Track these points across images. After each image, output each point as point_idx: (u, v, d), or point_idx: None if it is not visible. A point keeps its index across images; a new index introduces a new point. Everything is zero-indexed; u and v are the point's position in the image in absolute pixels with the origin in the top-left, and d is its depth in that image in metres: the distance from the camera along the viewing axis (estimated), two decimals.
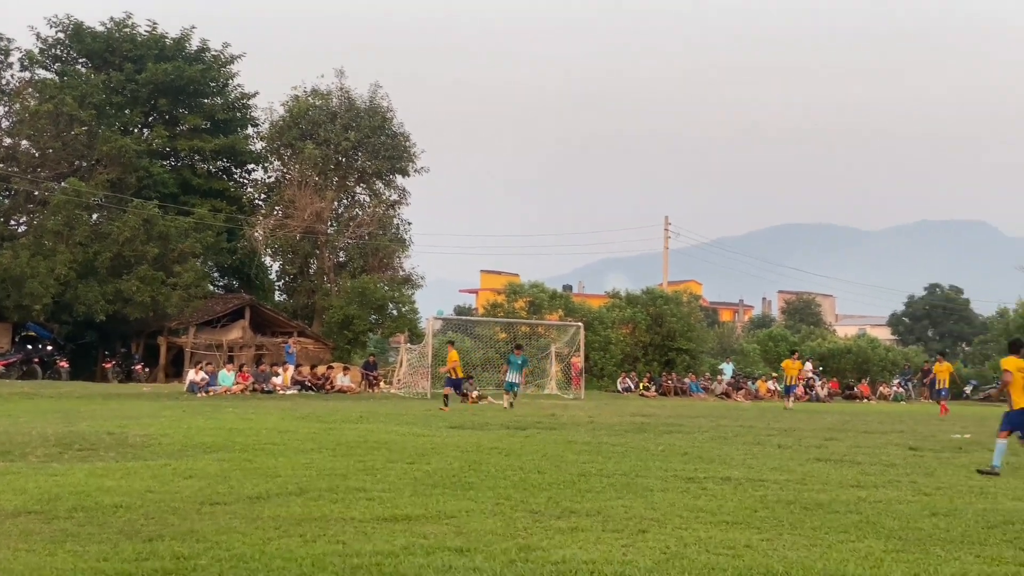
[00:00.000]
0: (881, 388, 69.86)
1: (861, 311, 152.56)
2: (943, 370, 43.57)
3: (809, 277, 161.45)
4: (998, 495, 14.65)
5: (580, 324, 55.56)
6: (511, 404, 36.17)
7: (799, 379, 46.18)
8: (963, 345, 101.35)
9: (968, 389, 69.60)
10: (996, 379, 67.45)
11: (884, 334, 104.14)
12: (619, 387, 58.53)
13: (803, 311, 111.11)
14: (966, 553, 10.13)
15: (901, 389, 68.45)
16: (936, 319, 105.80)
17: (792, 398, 44.76)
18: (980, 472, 17.35)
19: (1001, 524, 11.92)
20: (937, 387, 43.68)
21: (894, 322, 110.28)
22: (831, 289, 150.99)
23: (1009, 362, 17.93)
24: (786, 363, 45.72)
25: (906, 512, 12.78)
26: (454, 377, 37.21)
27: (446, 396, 35.86)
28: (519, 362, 37.24)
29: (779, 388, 63.85)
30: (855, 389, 67.97)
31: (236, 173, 67.74)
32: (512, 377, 36.87)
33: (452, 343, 41.30)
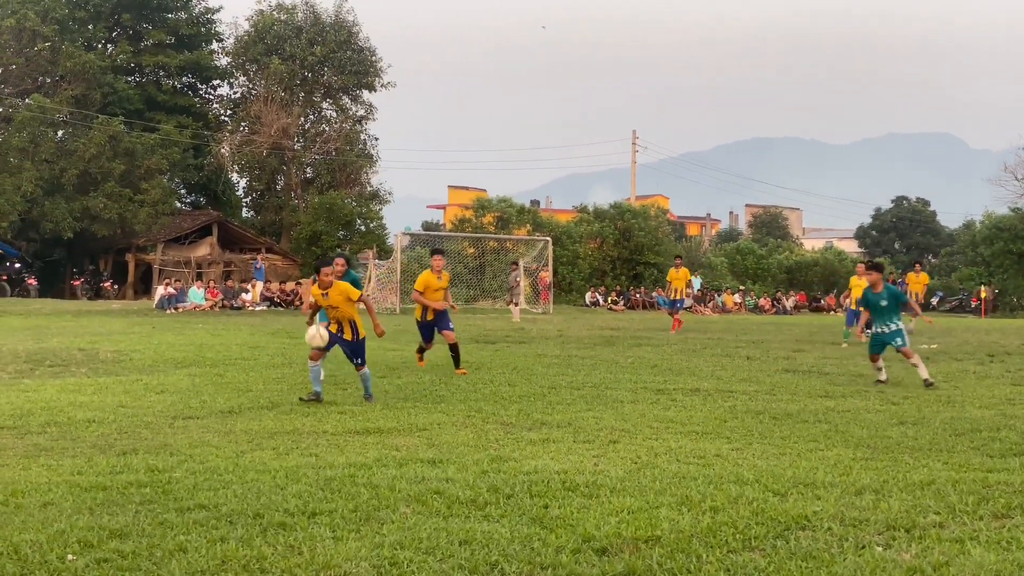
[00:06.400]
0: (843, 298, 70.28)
1: (828, 224, 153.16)
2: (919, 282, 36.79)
3: (776, 191, 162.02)
4: (965, 403, 14.80)
5: (548, 239, 55.52)
6: None
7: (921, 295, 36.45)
8: (929, 257, 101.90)
9: (935, 300, 70.05)
10: (962, 290, 68.03)
11: (851, 247, 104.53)
12: (587, 301, 58.73)
13: (770, 225, 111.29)
14: (934, 460, 10.22)
15: None
16: (903, 231, 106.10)
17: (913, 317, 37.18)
18: None
19: (968, 432, 12.05)
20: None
21: (861, 235, 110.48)
22: (798, 202, 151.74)
23: None
24: (910, 276, 37.85)
25: (874, 421, 12.91)
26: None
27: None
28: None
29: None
30: (822, 301, 68.44)
31: (202, 89, 66.97)
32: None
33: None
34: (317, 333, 14.22)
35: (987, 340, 31.03)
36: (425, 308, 18.98)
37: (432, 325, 19.17)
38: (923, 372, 17.14)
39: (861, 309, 27.04)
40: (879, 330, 17.76)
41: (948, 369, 20.59)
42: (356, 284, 16.03)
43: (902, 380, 18.17)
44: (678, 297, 34.67)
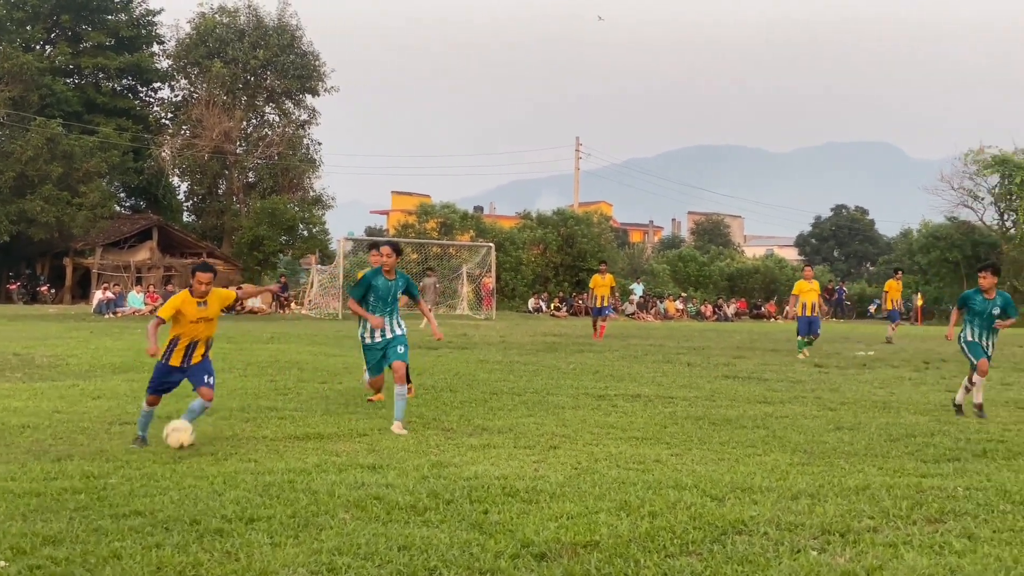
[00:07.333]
0: (787, 307, 70.81)
1: (769, 232, 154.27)
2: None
3: (718, 198, 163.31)
4: (900, 409, 14.99)
5: (491, 245, 55.53)
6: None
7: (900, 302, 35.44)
8: (868, 265, 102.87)
9: (872, 308, 70.56)
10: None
11: (791, 254, 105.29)
12: (530, 307, 58.79)
13: (712, 232, 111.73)
14: (869, 465, 10.35)
15: None
16: (842, 239, 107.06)
17: (893, 326, 35.68)
18: None
19: (903, 437, 12.20)
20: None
21: (801, 242, 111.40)
22: (740, 210, 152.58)
23: None
24: (889, 284, 36.91)
25: (811, 427, 13.04)
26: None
27: None
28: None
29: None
30: (762, 309, 68.95)
31: (142, 92, 66.46)
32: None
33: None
34: (184, 435, 10.88)
35: (923, 347, 31.40)
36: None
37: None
38: (978, 396, 14.80)
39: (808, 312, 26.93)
40: (983, 343, 14.94)
41: (884, 375, 20.83)
42: (411, 284, 13.63)
43: (839, 387, 18.35)
44: (602, 304, 33.18)
